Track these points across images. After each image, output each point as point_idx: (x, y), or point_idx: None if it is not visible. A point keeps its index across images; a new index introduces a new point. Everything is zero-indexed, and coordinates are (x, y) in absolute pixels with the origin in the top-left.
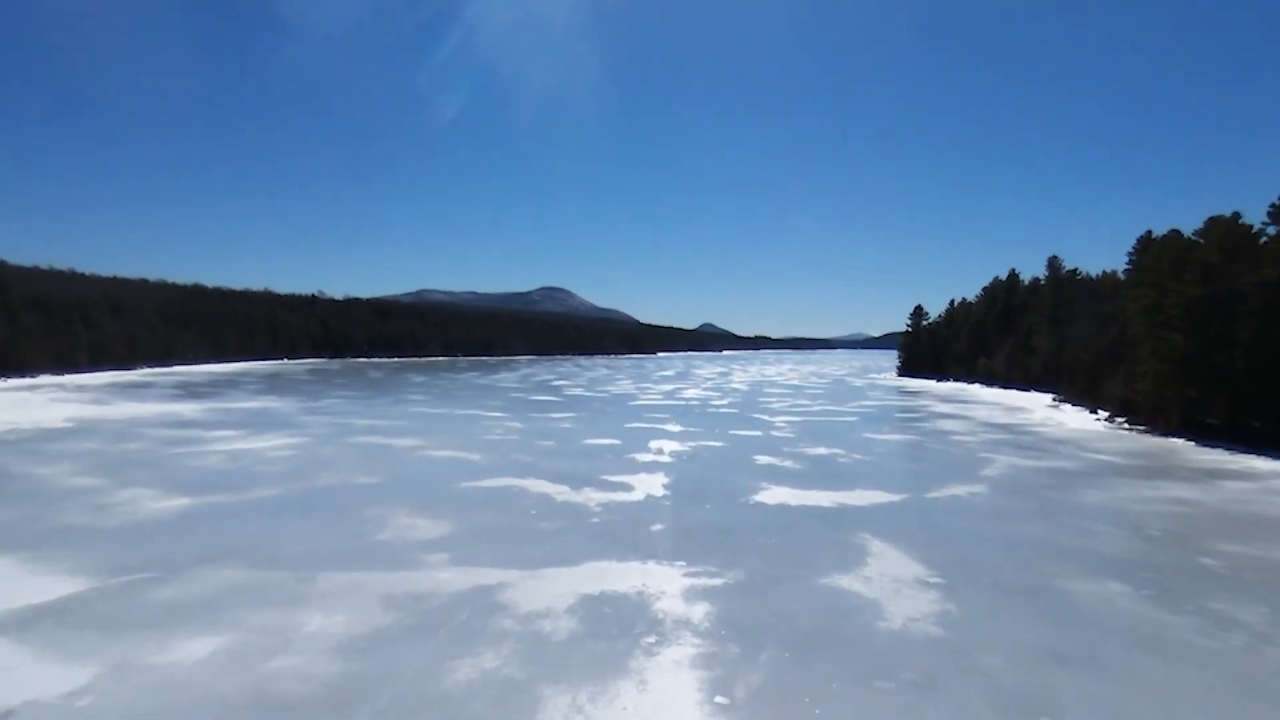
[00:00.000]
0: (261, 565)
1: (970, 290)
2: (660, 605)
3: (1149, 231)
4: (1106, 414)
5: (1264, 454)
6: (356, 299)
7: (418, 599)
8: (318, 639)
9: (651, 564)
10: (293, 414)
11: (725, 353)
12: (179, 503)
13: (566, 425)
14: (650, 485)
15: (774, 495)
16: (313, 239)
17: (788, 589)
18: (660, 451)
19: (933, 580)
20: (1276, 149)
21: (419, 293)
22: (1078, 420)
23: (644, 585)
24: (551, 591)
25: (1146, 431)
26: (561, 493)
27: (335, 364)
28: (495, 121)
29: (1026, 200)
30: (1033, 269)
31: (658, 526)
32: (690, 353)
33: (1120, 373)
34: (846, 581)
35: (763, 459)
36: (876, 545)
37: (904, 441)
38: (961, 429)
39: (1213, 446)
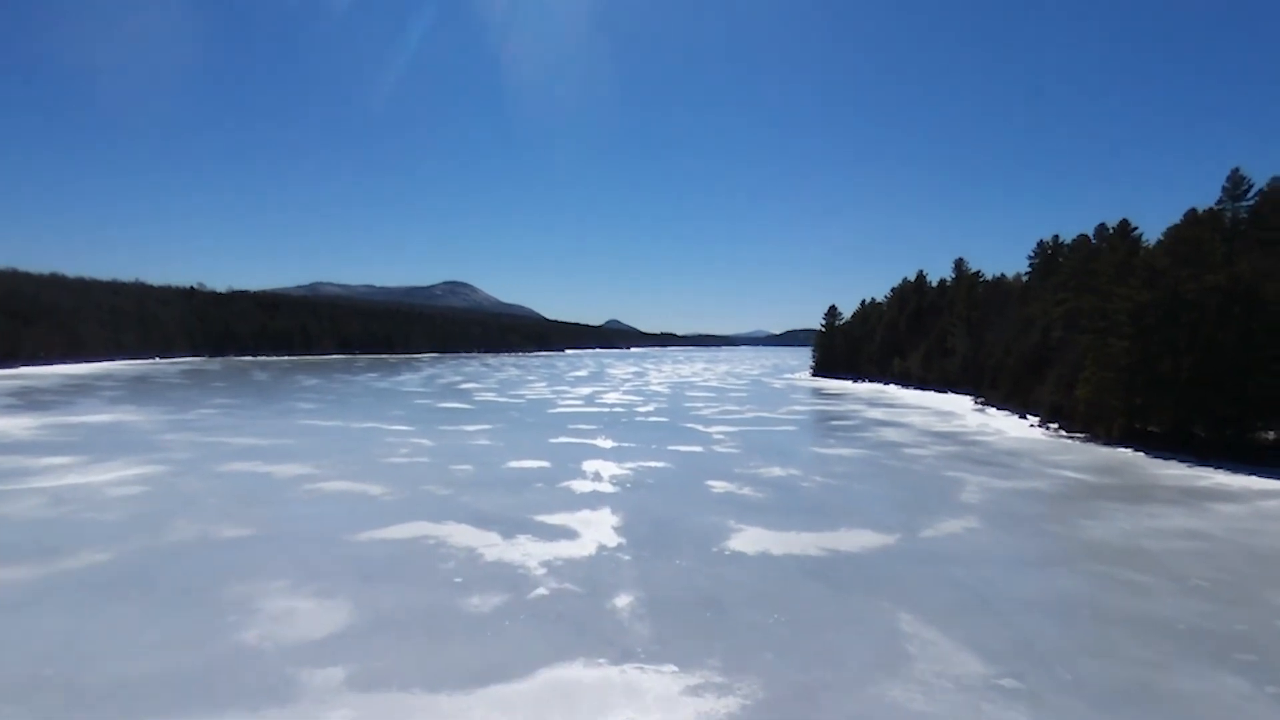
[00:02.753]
0: (49, 712)
1: (872, 289)
2: None
3: (1056, 236)
4: (1038, 420)
5: (1220, 467)
6: (241, 292)
7: None
8: None
9: (632, 670)
10: (152, 430)
11: (633, 350)
12: None
13: (483, 441)
14: (599, 529)
15: (749, 540)
16: (193, 225)
17: (831, 712)
18: (599, 477)
19: (1005, 683)
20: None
21: (312, 286)
22: (1014, 427)
23: (632, 718)
24: None
25: (1088, 440)
26: (491, 545)
27: (215, 364)
28: (394, 108)
29: (925, 202)
30: (932, 269)
31: (625, 599)
32: (598, 350)
33: (1050, 378)
34: (899, 692)
35: (718, 485)
36: (907, 622)
37: (858, 458)
38: (907, 439)
39: (1164, 458)
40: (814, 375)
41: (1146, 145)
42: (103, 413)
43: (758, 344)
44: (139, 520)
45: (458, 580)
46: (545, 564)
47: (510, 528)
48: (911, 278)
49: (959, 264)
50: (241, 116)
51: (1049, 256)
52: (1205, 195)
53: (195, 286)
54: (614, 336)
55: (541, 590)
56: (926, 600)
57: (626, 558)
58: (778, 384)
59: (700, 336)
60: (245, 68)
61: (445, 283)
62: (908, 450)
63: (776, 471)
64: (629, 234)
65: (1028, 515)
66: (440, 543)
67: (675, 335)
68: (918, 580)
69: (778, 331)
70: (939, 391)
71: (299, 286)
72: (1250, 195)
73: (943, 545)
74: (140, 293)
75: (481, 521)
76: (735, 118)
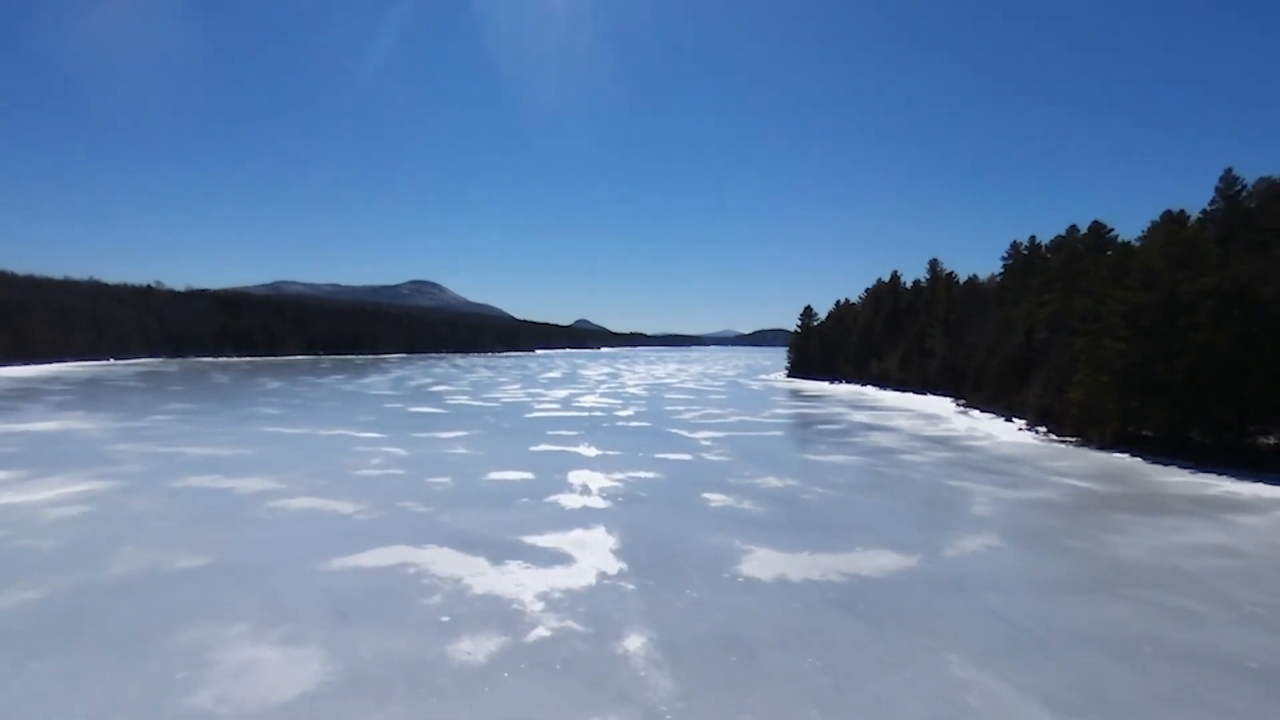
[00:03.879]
0: None
1: (841, 290)
2: None
3: (1033, 237)
4: (1026, 423)
5: (1224, 474)
6: (201, 290)
7: None
8: None
9: None
10: (101, 440)
11: (604, 350)
12: None
13: (460, 450)
14: (596, 552)
15: (762, 564)
16: (150, 222)
17: None
18: (587, 490)
19: None
20: (1124, 162)
21: (275, 285)
22: (1003, 431)
23: None
24: None
25: (1081, 444)
26: (479, 574)
27: (173, 366)
28: (362, 106)
29: (896, 204)
30: (904, 270)
31: (637, 641)
32: (569, 350)
33: (1037, 381)
34: None
35: (714, 498)
36: (958, 664)
37: (853, 466)
38: (899, 445)
39: (1162, 464)
40: (789, 376)
41: (1116, 149)
42: (47, 420)
43: (727, 344)
44: (79, 547)
45: (445, 619)
46: (541, 597)
47: (498, 552)
48: (885, 278)
49: (933, 265)
50: (202, 112)
51: (1026, 257)
52: (1178, 196)
53: (152, 285)
54: (584, 336)
55: (541, 631)
56: (972, 637)
57: (631, 587)
58: (755, 385)
59: (670, 336)
60: (206, 63)
61: (412, 282)
62: (903, 457)
63: (773, 482)
64: (598, 234)
65: (1045, 530)
66: (422, 571)
67: (645, 335)
68: (955, 611)
69: (747, 331)
70: (918, 393)
71: (261, 285)
72: (1241, 195)
73: (969, 567)
74: (94, 291)
75: (466, 544)
76: (706, 120)
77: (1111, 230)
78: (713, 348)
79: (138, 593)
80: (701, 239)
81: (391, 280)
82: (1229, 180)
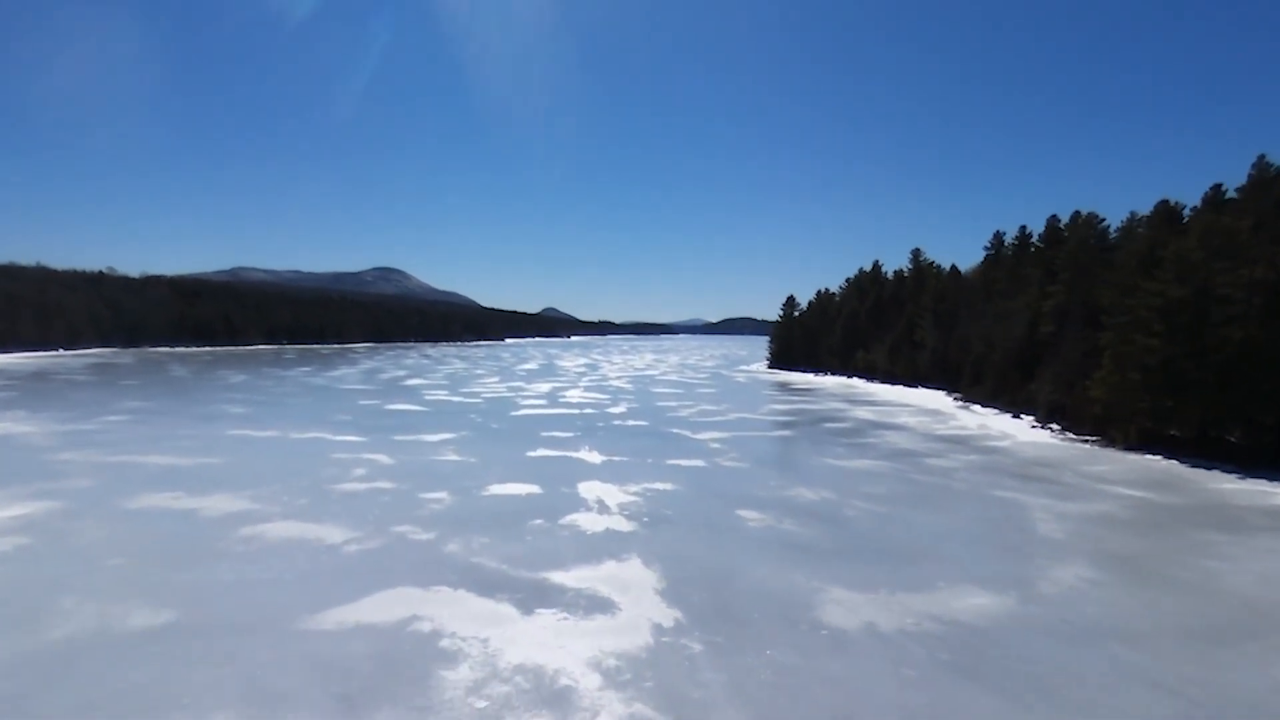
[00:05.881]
0: None
1: (808, 279)
2: None
3: (1024, 227)
4: (1036, 420)
5: (1274, 479)
6: (156, 277)
7: None
8: None
9: None
10: (44, 447)
11: (574, 339)
12: None
13: (451, 456)
14: (641, 595)
15: (841, 609)
16: (101, 205)
17: None
18: (605, 507)
19: None
20: (1092, 153)
21: (233, 271)
22: (1016, 429)
23: None
24: None
25: (1103, 444)
26: (507, 630)
27: (127, 357)
28: (317, 87)
29: (866, 194)
30: (877, 259)
31: None
32: (538, 339)
33: (1046, 376)
34: None
35: (749, 515)
36: None
37: (883, 473)
38: (918, 446)
39: (1204, 468)
40: (771, 368)
41: (1088, 141)
42: None
43: (696, 332)
44: (10, 598)
45: (480, 704)
46: (594, 665)
47: (524, 595)
48: (865, 268)
49: (916, 254)
50: (156, 95)
51: (1017, 247)
52: (1158, 188)
53: (104, 271)
54: (552, 325)
55: None
56: (1138, 714)
57: (697, 647)
58: (740, 378)
59: (638, 325)
60: (160, 44)
61: (376, 269)
62: (929, 461)
63: (805, 494)
64: (564, 221)
65: (1134, 556)
66: (438, 628)
67: (613, 323)
68: (1097, 674)
69: (714, 320)
70: (909, 386)
71: (219, 271)
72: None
73: (1080, 610)
74: (41, 277)
75: (483, 585)
76: (673, 109)
77: (1104, 220)
78: (682, 336)
79: (81, 669)
80: (668, 226)
81: (355, 267)
82: (1262, 166)
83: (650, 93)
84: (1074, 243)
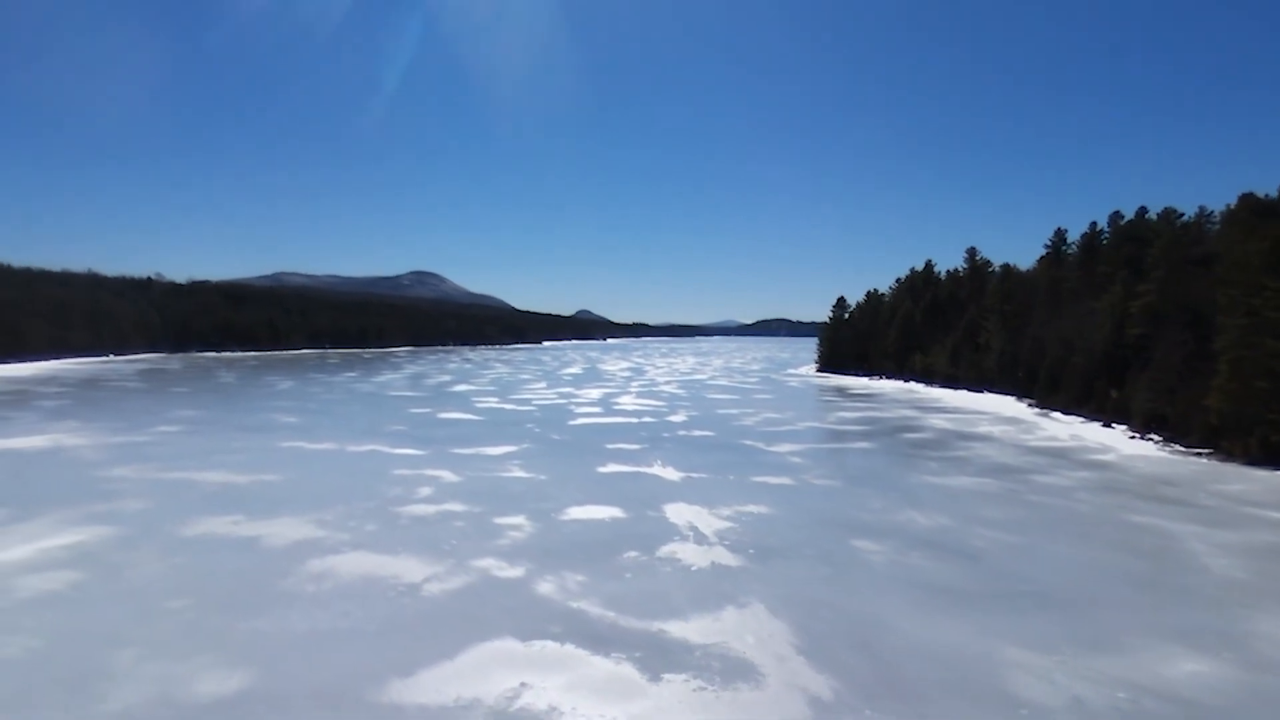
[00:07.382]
0: None
1: (841, 280)
2: None
3: (1094, 224)
4: (1133, 430)
5: None
6: (203, 282)
7: None
8: None
9: None
10: (97, 461)
11: (610, 341)
12: None
13: (518, 472)
14: (780, 655)
15: (1029, 675)
16: (150, 213)
17: None
18: (700, 536)
19: None
20: (1141, 152)
21: (276, 275)
22: (1113, 440)
23: None
24: None
25: (1219, 458)
26: (636, 705)
27: (175, 362)
28: (349, 95)
29: (900, 194)
30: (907, 262)
31: None
32: (575, 341)
33: (1141, 382)
34: None
35: (868, 548)
36: None
37: (992, 494)
38: (1018, 461)
39: None
40: (821, 371)
41: (1128, 140)
42: (37, 433)
43: (730, 334)
44: (60, 656)
45: None
46: None
47: (643, 654)
48: (913, 267)
49: (972, 253)
50: (200, 104)
51: (1086, 245)
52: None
53: (153, 277)
54: (587, 327)
55: None
56: None
57: None
58: (792, 382)
59: (673, 326)
60: (203, 54)
61: (413, 272)
62: (1037, 479)
63: (918, 519)
64: (598, 223)
65: None
66: (553, 705)
67: (648, 325)
68: None
69: (748, 321)
70: (973, 391)
71: (261, 276)
72: None
73: None
74: (92, 284)
75: (592, 639)
76: (706, 109)
77: (1182, 214)
78: (717, 338)
79: None
80: (700, 227)
81: (392, 271)
82: None
83: (680, 94)
84: (1167, 239)
